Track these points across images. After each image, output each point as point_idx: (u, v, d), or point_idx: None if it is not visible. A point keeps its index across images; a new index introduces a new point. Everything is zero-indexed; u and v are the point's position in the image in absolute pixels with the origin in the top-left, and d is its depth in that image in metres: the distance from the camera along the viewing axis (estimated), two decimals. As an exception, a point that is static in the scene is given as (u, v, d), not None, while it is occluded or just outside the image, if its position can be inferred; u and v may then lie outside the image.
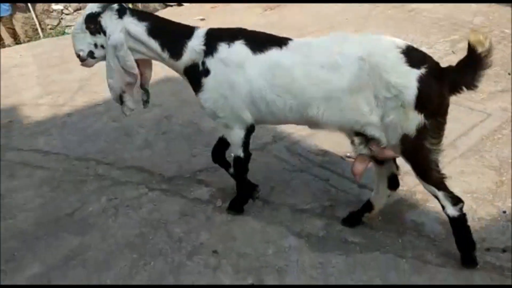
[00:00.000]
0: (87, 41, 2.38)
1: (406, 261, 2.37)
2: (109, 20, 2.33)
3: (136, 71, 2.40)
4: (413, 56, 2.05)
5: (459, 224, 2.24)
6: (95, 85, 4.99)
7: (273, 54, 2.27)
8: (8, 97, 5.19)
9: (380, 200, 2.54)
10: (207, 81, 2.36)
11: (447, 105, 2.11)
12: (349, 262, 2.39)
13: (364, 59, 2.08)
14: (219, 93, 2.36)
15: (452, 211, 2.20)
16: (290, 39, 2.34)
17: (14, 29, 9.26)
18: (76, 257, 2.55)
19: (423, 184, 2.23)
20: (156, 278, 2.37)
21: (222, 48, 2.32)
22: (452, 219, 2.23)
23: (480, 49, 1.94)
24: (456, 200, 2.21)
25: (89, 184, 3.23)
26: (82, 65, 2.49)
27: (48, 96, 5.00)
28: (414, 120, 2.05)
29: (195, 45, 2.36)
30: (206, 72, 2.35)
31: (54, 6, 13.33)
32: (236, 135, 2.51)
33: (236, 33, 2.38)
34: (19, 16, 9.29)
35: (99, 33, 2.35)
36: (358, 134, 2.25)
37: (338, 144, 3.18)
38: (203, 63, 2.35)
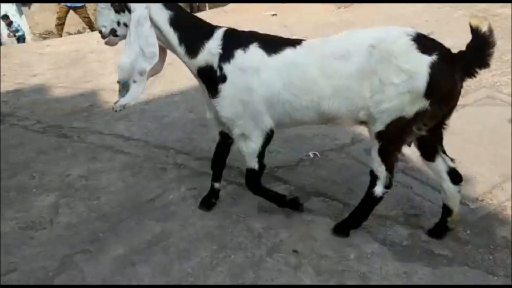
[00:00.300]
0: (110, 18, 2.33)
1: (497, 279, 2.25)
2: (136, 3, 2.28)
3: (156, 50, 2.25)
4: (424, 43, 2.06)
5: (374, 203, 2.42)
6: (171, 75, 5.08)
7: (287, 54, 2.28)
8: (88, 82, 5.42)
9: (453, 200, 2.42)
10: (224, 87, 2.31)
11: (458, 92, 2.14)
12: (436, 274, 2.29)
13: (375, 46, 2.10)
14: (238, 99, 2.32)
15: (379, 192, 2.34)
16: (303, 40, 2.35)
17: (89, 18, 9.69)
18: (158, 243, 2.60)
19: (377, 163, 2.28)
20: (236, 271, 2.37)
21: (238, 53, 2.29)
22: (373, 198, 2.37)
23: (483, 29, 1.99)
24: (389, 184, 2.34)
25: (169, 172, 3.29)
26: (105, 43, 2.41)
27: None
28: (418, 105, 2.07)
29: (212, 47, 2.31)
30: (224, 78, 2.30)
31: None
32: (253, 145, 2.42)
33: (250, 36, 2.35)
34: (91, 5, 9.77)
35: (123, 11, 2.30)
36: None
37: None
38: (221, 68, 2.30)
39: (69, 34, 10.15)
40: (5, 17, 12.71)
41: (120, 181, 3.23)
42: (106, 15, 2.34)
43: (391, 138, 2.19)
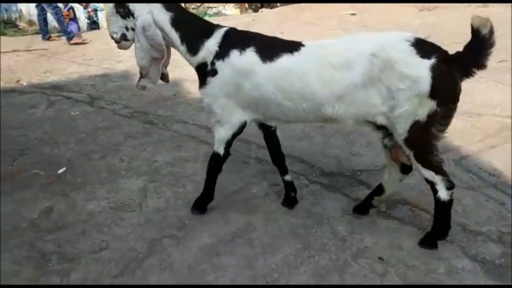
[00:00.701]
0: (119, 25, 2.49)
1: None
2: (136, 4, 2.43)
3: (164, 47, 2.46)
4: (423, 47, 2.14)
5: (446, 208, 2.38)
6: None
7: (284, 61, 2.34)
8: (171, 71, 5.58)
9: (391, 184, 2.60)
10: (213, 80, 2.45)
11: (459, 91, 2.18)
12: (532, 299, 2.18)
13: (376, 54, 2.16)
14: (223, 91, 2.46)
15: (445, 195, 2.33)
16: (302, 44, 2.38)
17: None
18: (242, 235, 2.65)
19: (421, 169, 2.31)
20: (321, 273, 2.37)
21: (234, 54, 2.40)
22: (442, 203, 2.35)
23: (483, 31, 2.03)
24: (450, 185, 2.33)
25: (251, 167, 3.35)
26: (118, 47, 2.61)
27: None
28: (427, 107, 2.14)
29: (210, 45, 2.44)
30: (214, 72, 2.44)
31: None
32: (224, 132, 2.59)
33: (249, 39, 2.44)
34: None
35: (129, 17, 2.46)
36: (376, 126, 2.35)
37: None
38: (213, 63, 2.44)
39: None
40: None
41: (204, 171, 3.30)
42: (115, 22, 2.50)
43: (418, 143, 2.26)
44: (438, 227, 2.47)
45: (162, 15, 2.43)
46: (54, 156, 3.65)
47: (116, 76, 5.68)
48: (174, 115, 4.29)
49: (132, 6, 2.44)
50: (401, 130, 2.24)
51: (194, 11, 13.54)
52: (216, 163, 2.73)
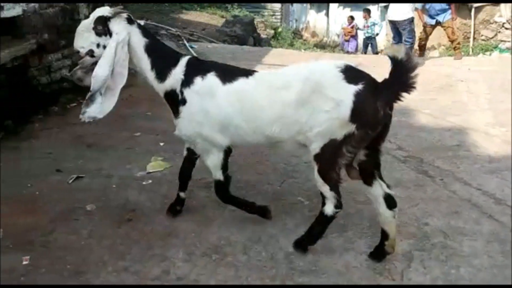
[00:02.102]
0: (90, 40, 2.55)
1: None
2: (117, 24, 2.54)
3: (125, 72, 2.54)
4: (350, 74, 2.31)
5: (325, 222, 2.59)
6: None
7: (239, 83, 2.53)
8: (456, 115, 5.00)
9: (388, 224, 2.56)
10: (184, 110, 2.59)
11: (381, 118, 2.29)
12: None
13: (308, 77, 2.38)
14: (195, 120, 2.59)
15: (330, 210, 2.51)
16: (256, 71, 2.64)
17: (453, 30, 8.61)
18: None
19: (319, 182, 2.48)
20: None
21: (197, 80, 2.56)
22: (324, 216, 2.55)
23: (399, 56, 2.20)
24: (339, 204, 2.51)
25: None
26: (79, 63, 2.68)
27: (502, 128, 4.50)
28: (346, 129, 2.29)
29: (176, 73, 2.58)
30: (184, 101, 2.58)
31: (497, 18, 12.55)
32: (214, 158, 2.69)
33: (210, 66, 2.65)
34: (457, 21, 8.78)
35: (105, 35, 2.53)
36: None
37: None
38: (182, 92, 2.58)
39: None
40: (367, 11, 13.07)
41: (485, 254, 2.72)
42: (86, 38, 2.57)
43: (326, 159, 2.40)
44: (311, 236, 2.66)
45: (138, 39, 2.60)
46: (321, 188, 3.59)
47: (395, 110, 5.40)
48: (454, 171, 3.74)
49: (113, 26, 2.55)
50: (316, 147, 2.41)
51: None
52: (221, 189, 2.84)
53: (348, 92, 2.26)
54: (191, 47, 9.05)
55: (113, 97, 2.60)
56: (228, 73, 2.60)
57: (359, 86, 2.25)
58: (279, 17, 17.33)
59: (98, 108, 2.54)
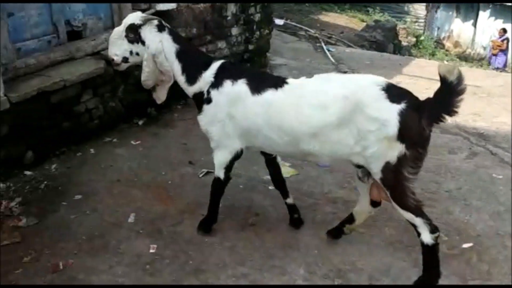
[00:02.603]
0: (123, 48, 2.65)
1: None
2: (148, 32, 2.61)
3: (171, 73, 2.68)
4: (393, 92, 2.23)
5: (431, 252, 2.37)
6: None
7: (268, 94, 2.49)
8: None
9: (361, 215, 2.72)
10: (208, 108, 2.65)
11: (427, 137, 2.26)
12: None
13: (348, 97, 2.27)
14: (217, 119, 2.63)
15: (428, 238, 2.33)
16: (286, 81, 2.53)
17: None
18: None
19: (400, 211, 2.37)
20: None
21: (227, 84, 2.58)
22: (425, 247, 2.36)
23: (450, 78, 2.09)
24: (433, 228, 2.33)
25: None
26: (115, 67, 2.81)
27: None
28: (396, 150, 2.24)
29: (206, 76, 2.63)
30: (209, 100, 2.63)
31: None
32: (222, 157, 2.74)
33: (241, 72, 2.66)
34: None
35: (137, 43, 2.63)
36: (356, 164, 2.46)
37: None
38: (208, 92, 2.63)
39: None
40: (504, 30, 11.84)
41: None
42: (119, 45, 2.67)
43: (391, 184, 2.33)
44: (427, 271, 2.43)
45: (170, 46, 2.65)
46: (462, 222, 3.19)
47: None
48: None
49: (144, 34, 2.62)
50: (376, 170, 2.34)
51: None
52: (217, 187, 2.86)
53: (393, 111, 2.21)
54: (328, 50, 8.87)
55: (164, 90, 2.84)
56: (259, 83, 2.57)
57: (403, 105, 2.20)
58: (422, 24, 16.37)
59: (157, 97, 2.88)
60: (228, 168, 2.80)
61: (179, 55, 2.67)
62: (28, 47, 3.64)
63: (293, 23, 11.24)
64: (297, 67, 7.29)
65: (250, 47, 6.12)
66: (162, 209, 3.24)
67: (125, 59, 2.73)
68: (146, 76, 2.72)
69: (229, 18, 5.52)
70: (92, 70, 3.85)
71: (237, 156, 2.76)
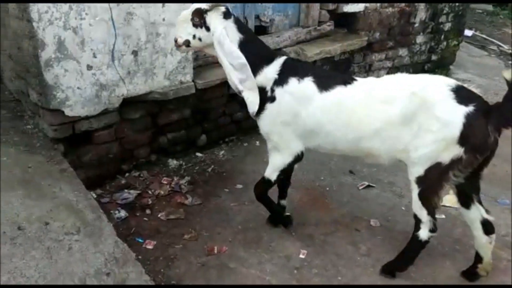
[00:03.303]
0: (187, 31, 2.54)
1: None
2: (214, 18, 2.47)
3: (243, 60, 2.45)
4: (461, 94, 2.18)
5: (418, 248, 2.49)
6: None
7: (337, 92, 2.42)
8: None
9: (484, 249, 2.52)
10: (271, 107, 2.52)
11: (491, 143, 2.17)
12: None
13: (416, 93, 2.23)
14: (281, 119, 2.52)
15: (425, 235, 2.43)
16: (355, 79, 2.47)
17: None
18: None
19: (418, 206, 2.39)
20: None
21: (293, 82, 2.47)
22: (418, 241, 2.46)
23: None
24: (434, 228, 2.41)
25: None
26: (177, 49, 2.69)
27: None
28: (453, 152, 2.18)
29: (269, 72, 2.51)
30: (273, 99, 2.51)
31: None
32: (282, 160, 2.65)
33: (307, 69, 2.54)
34: None
35: (201, 27, 2.51)
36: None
37: None
38: (272, 90, 2.51)
39: None
40: None
41: None
42: (184, 28, 2.56)
43: (429, 183, 2.30)
44: (402, 261, 2.57)
45: (234, 35, 2.49)
46: None
47: None
48: None
49: (209, 19, 2.49)
50: (420, 168, 2.29)
51: None
52: (264, 189, 2.78)
53: (458, 113, 2.16)
54: (522, 70, 7.79)
55: (253, 86, 2.52)
56: (326, 80, 2.49)
57: (470, 108, 2.15)
58: None
59: (249, 103, 2.55)
60: (283, 171, 2.73)
61: (242, 45, 2.53)
62: (218, 37, 3.87)
63: (483, 36, 10.16)
64: (482, 84, 6.53)
65: (433, 57, 5.67)
66: (317, 215, 3.17)
67: (187, 42, 2.60)
68: (228, 75, 2.56)
69: (416, 25, 5.17)
70: (272, 65, 3.93)
71: (298, 158, 2.69)
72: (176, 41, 2.61)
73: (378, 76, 5.02)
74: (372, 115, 2.36)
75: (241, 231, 2.96)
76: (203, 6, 2.49)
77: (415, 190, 2.39)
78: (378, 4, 4.67)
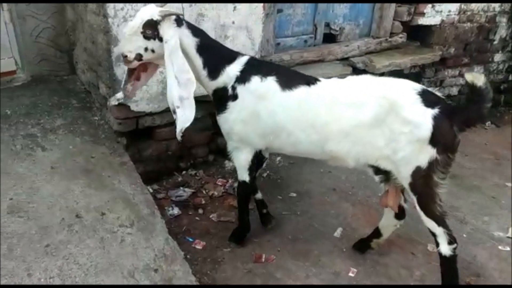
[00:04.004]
0: (138, 44, 2.34)
1: None
2: (167, 28, 2.31)
3: (191, 76, 2.31)
4: (428, 97, 2.24)
5: (449, 264, 2.41)
6: None
7: (301, 91, 2.39)
8: None
9: (387, 228, 2.76)
10: (233, 105, 2.47)
11: (457, 143, 2.27)
12: None
13: (384, 97, 2.25)
14: (241, 118, 2.47)
15: (446, 250, 2.37)
16: (318, 79, 2.43)
17: None
18: None
19: (424, 218, 2.37)
20: None
21: (255, 80, 2.42)
22: (444, 258, 2.39)
23: (478, 83, 2.13)
24: (452, 239, 2.36)
25: None
26: (126, 65, 2.41)
27: None
28: (427, 153, 2.23)
29: (231, 70, 2.45)
30: (235, 97, 2.45)
31: None
32: (244, 158, 2.62)
33: (271, 68, 2.49)
34: None
35: (154, 39, 2.33)
36: (376, 170, 2.44)
37: None
38: (234, 88, 2.45)
39: None
40: None
41: None
42: (134, 42, 2.34)
43: (420, 190, 2.32)
44: (445, 283, 2.46)
45: (189, 39, 2.39)
46: None
47: None
48: None
49: (162, 30, 2.30)
50: (405, 174, 2.31)
51: None
52: (243, 190, 2.74)
53: (427, 115, 2.20)
54: None
55: (190, 105, 2.35)
56: (289, 79, 2.44)
57: (436, 110, 2.21)
58: None
59: (180, 120, 2.34)
60: (251, 169, 2.68)
61: (200, 49, 2.43)
62: (286, 43, 3.85)
63: None
64: None
65: (511, 77, 5.34)
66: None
67: (138, 56, 2.37)
68: (169, 88, 2.36)
69: (495, 42, 4.89)
70: (338, 75, 3.85)
71: (256, 156, 2.65)
72: (126, 56, 2.37)
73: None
74: (340, 118, 2.33)
75: (291, 241, 2.91)
76: (155, 16, 2.29)
77: (414, 200, 2.39)
78: (456, 18, 4.46)
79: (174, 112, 2.35)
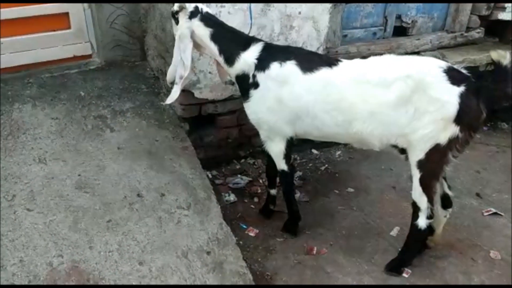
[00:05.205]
0: (174, 29, 2.59)
1: None
2: (180, 19, 2.51)
3: (188, 63, 2.51)
4: (454, 75, 2.22)
5: (420, 236, 2.54)
6: None
7: (323, 73, 2.37)
8: None
9: (437, 221, 2.67)
10: (255, 93, 2.49)
11: (482, 121, 2.26)
12: None
13: (411, 76, 2.22)
14: (266, 106, 2.48)
15: (423, 223, 2.47)
16: (340, 60, 2.43)
17: None
18: None
19: (419, 193, 2.41)
20: None
21: (274, 66, 2.42)
22: (418, 230, 2.49)
23: (504, 62, 2.15)
24: (431, 214, 2.46)
25: None
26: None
27: None
28: (450, 131, 2.23)
29: (247, 57, 2.48)
30: (256, 85, 2.47)
31: None
32: (277, 147, 2.61)
33: (290, 53, 2.46)
34: None
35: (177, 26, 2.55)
36: (400, 150, 2.42)
37: None
38: (254, 76, 2.47)
39: None
40: None
41: None
42: (173, 25, 2.60)
43: (431, 167, 2.33)
44: (405, 255, 2.60)
45: (202, 31, 2.51)
46: None
47: None
48: None
49: (180, 19, 2.51)
50: (420, 152, 2.31)
51: None
52: (286, 180, 2.75)
53: (453, 93, 2.19)
54: None
55: (177, 89, 2.56)
56: (310, 62, 2.43)
57: (463, 88, 2.18)
58: None
59: (171, 95, 2.58)
60: (287, 157, 2.66)
61: (214, 38, 2.54)
62: (353, 35, 3.77)
63: None
64: None
65: None
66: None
67: None
68: (173, 63, 2.59)
69: None
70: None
71: (290, 144, 2.63)
72: None
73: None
74: (366, 97, 2.32)
75: (344, 236, 2.88)
76: (175, 8, 2.54)
77: (416, 175, 2.39)
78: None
79: (171, 84, 2.61)
